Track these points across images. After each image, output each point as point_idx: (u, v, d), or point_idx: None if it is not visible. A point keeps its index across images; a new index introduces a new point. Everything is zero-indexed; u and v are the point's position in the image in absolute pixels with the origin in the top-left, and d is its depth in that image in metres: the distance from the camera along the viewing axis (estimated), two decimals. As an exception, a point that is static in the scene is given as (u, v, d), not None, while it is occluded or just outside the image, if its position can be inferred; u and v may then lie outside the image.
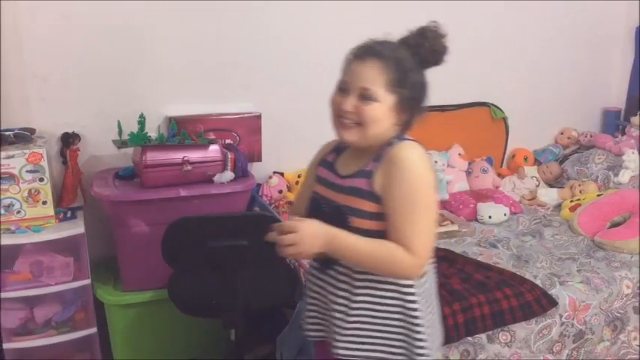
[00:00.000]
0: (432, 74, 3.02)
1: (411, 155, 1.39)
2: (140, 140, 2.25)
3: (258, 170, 2.76)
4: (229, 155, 2.37)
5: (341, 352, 1.49)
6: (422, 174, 1.38)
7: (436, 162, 3.01)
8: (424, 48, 1.45)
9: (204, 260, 1.90)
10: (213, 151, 2.34)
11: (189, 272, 2.05)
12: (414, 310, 1.45)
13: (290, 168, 2.86)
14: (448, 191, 3.01)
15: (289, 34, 2.74)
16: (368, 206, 1.40)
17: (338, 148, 1.56)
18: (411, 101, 1.44)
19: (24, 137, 2.25)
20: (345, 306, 1.48)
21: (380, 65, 1.39)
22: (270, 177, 2.76)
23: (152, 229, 2.20)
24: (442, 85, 2.99)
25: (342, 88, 1.43)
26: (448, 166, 3.10)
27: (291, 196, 2.78)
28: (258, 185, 2.73)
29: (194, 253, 1.92)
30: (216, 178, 2.31)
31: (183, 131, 2.37)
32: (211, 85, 2.66)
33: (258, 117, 2.67)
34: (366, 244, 1.38)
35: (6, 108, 2.36)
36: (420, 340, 1.45)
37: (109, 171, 2.45)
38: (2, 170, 2.13)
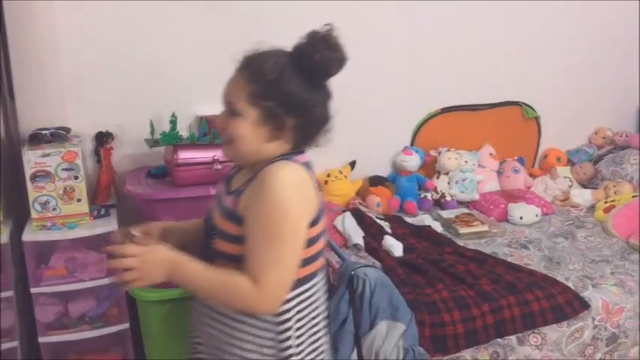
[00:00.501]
0: (462, 73, 3.05)
1: (279, 177, 1.24)
2: (172, 139, 2.28)
3: (287, 170, 2.77)
4: (259, 154, 2.38)
5: None
6: (286, 199, 1.23)
7: (466, 162, 2.99)
8: (311, 58, 1.30)
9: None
10: (243, 150, 2.35)
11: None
12: (285, 341, 1.34)
13: (319, 167, 2.84)
14: (478, 191, 2.98)
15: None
16: (231, 228, 1.30)
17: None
18: (283, 115, 1.29)
19: (60, 136, 2.30)
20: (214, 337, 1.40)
21: (242, 77, 1.30)
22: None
23: (183, 227, 2.23)
24: (473, 84, 3.06)
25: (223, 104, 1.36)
26: (479, 165, 3.07)
27: (320, 195, 2.78)
28: (288, 184, 2.74)
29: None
30: (246, 177, 2.33)
31: (214, 130, 2.39)
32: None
33: (288, 116, 2.67)
34: (211, 274, 1.26)
35: (43, 107, 2.42)
36: None
37: (142, 169, 2.49)
38: (38, 168, 2.19)
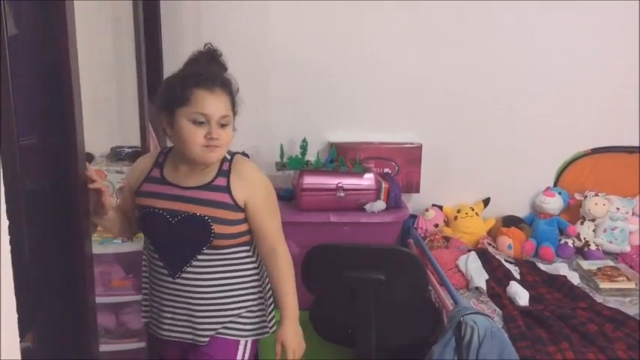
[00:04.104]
0: (620, 110, 2.78)
1: (255, 168, 1.67)
2: (297, 164, 2.35)
3: (415, 202, 2.72)
4: (384, 185, 2.37)
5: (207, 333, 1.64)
6: (268, 182, 1.67)
7: (618, 209, 2.70)
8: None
9: (340, 289, 1.91)
10: (368, 179, 2.36)
11: (329, 299, 2.07)
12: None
13: (449, 201, 2.77)
14: (630, 243, 2.67)
15: (456, 64, 2.67)
16: (232, 215, 1.59)
17: (158, 164, 1.65)
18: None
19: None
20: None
21: (224, 93, 1.55)
22: (427, 209, 2.69)
23: (302, 251, 2.27)
24: (631, 123, 2.77)
25: (202, 122, 1.51)
26: (633, 214, 2.76)
27: (447, 231, 2.69)
28: (415, 217, 2.68)
29: (330, 281, 1.94)
30: (368, 207, 2.32)
31: (341, 157, 2.42)
32: (375, 113, 2.69)
33: (419, 147, 2.63)
34: (289, 281, 1.66)
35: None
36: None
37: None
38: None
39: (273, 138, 2.61)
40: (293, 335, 1.63)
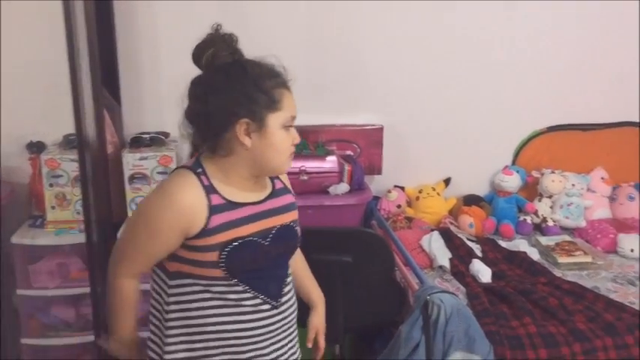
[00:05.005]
0: (575, 89, 2.84)
1: None
2: (260, 149, 2.31)
3: (378, 183, 2.73)
4: (346, 167, 2.36)
5: None
6: None
7: (573, 185, 2.77)
8: None
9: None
10: (330, 162, 2.35)
11: (295, 282, 2.06)
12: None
13: (411, 182, 2.79)
14: (585, 218, 2.75)
15: (415, 45, 2.68)
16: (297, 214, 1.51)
17: (209, 190, 1.33)
18: None
19: (158, 140, 2.42)
20: None
21: None
22: (390, 191, 2.71)
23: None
24: (586, 101, 2.84)
25: (289, 126, 1.37)
26: (588, 190, 2.83)
27: (410, 212, 2.71)
28: (378, 198, 2.69)
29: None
30: (331, 190, 2.31)
31: (303, 140, 2.40)
32: (335, 95, 2.67)
33: (381, 129, 2.63)
34: (310, 271, 1.67)
35: (144, 112, 2.55)
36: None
37: (234, 176, 2.55)
38: (136, 170, 2.31)
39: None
40: (324, 322, 1.63)
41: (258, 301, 1.37)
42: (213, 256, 1.31)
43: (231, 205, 1.33)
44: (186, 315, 1.36)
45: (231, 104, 1.29)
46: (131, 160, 2.30)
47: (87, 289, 2.20)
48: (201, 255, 1.31)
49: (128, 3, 2.44)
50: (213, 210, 1.30)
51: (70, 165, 2.29)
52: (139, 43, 2.49)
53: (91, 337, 2.26)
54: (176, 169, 1.41)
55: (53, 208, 2.32)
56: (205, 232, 1.29)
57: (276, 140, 1.33)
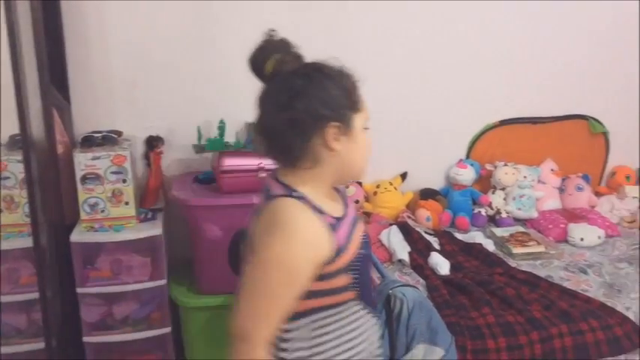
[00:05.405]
0: (525, 83, 2.91)
1: None
2: (217, 146, 2.28)
3: (336, 179, 2.73)
4: (305, 164, 2.35)
5: None
6: None
7: (525, 177, 2.84)
8: None
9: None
10: (289, 159, 2.32)
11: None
12: None
13: (368, 178, 2.80)
14: (537, 209, 2.83)
15: (369, 42, 2.69)
16: None
17: (317, 210, 1.24)
18: None
19: (111, 139, 2.35)
20: None
21: None
22: (347, 186, 2.71)
23: (226, 234, 2.22)
24: (535, 96, 2.91)
25: (366, 127, 1.30)
26: (539, 182, 2.91)
27: (368, 207, 2.72)
28: (336, 194, 2.69)
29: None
30: (291, 187, 2.29)
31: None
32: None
33: (338, 125, 2.63)
34: None
35: (97, 111, 2.48)
36: None
37: (190, 174, 2.51)
38: (88, 171, 2.24)
39: (189, 120, 2.51)
40: None
41: (367, 310, 1.34)
42: (345, 279, 1.26)
43: (338, 221, 1.26)
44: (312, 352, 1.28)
45: (320, 108, 1.21)
46: (83, 160, 2.23)
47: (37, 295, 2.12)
48: (334, 282, 1.25)
49: (77, 2, 2.36)
50: (335, 230, 1.22)
51: (17, 166, 2.19)
52: (88, 42, 2.41)
53: (42, 344, 2.18)
54: (276, 198, 1.23)
55: (1, 211, 2.23)
56: (333, 256, 1.22)
57: (361, 142, 1.27)
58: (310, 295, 1.22)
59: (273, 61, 1.24)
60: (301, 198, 1.22)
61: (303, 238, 1.18)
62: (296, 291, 1.19)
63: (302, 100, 1.20)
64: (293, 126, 1.21)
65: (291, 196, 1.22)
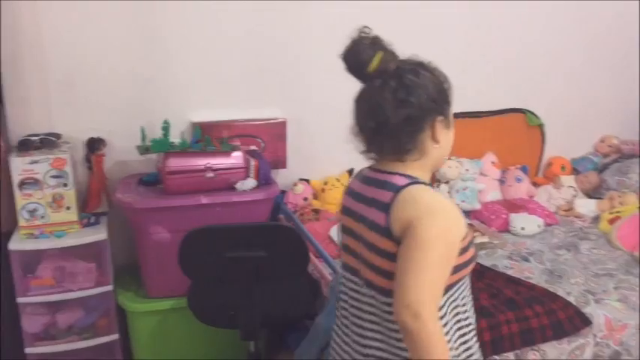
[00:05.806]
0: (464, 79, 2.98)
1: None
2: (162, 147, 2.23)
3: (283, 177, 2.72)
4: (252, 162, 2.33)
5: None
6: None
7: (467, 170, 2.92)
8: None
9: (221, 271, 1.87)
10: (236, 157, 2.31)
11: (208, 283, 2.02)
12: None
13: (316, 175, 2.81)
14: (479, 201, 2.91)
15: (315, 39, 2.69)
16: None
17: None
18: None
19: (49, 142, 2.26)
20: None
21: None
22: (296, 184, 2.71)
23: (174, 236, 2.18)
24: (475, 91, 2.98)
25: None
26: (480, 174, 3.00)
27: (316, 204, 2.73)
28: (284, 192, 2.69)
29: (210, 264, 1.89)
30: (239, 186, 2.28)
31: (207, 137, 2.35)
32: (237, 90, 2.63)
33: (284, 123, 2.63)
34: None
35: (33, 113, 2.37)
36: None
37: (135, 177, 2.45)
38: (27, 175, 2.15)
39: (131, 121, 2.45)
40: None
41: None
42: (471, 252, 1.32)
43: None
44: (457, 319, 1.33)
45: (430, 103, 1.26)
46: (20, 165, 2.14)
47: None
48: (466, 255, 1.30)
49: (11, 3, 2.25)
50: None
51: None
52: (23, 43, 2.30)
53: None
54: (407, 187, 1.26)
55: None
56: (466, 231, 1.29)
57: (452, 135, 1.34)
58: (454, 269, 1.27)
59: (379, 58, 1.27)
60: (427, 184, 1.29)
61: (455, 215, 1.26)
62: (452, 265, 1.24)
63: (416, 97, 1.25)
64: (410, 120, 1.25)
65: (419, 183, 1.27)
